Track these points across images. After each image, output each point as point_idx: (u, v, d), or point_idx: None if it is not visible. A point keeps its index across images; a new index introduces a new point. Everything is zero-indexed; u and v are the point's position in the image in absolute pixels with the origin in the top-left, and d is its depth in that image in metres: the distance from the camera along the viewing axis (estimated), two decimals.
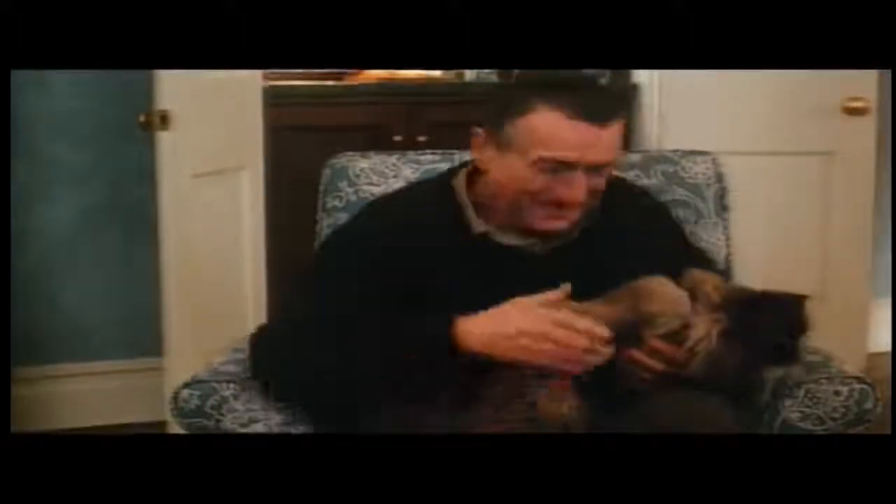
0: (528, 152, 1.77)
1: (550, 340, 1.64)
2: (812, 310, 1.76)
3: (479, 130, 1.87)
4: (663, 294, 1.76)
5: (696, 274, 1.84)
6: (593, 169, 1.78)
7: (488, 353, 1.67)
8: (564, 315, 1.65)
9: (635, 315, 1.74)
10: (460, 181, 1.94)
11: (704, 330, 1.72)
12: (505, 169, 1.82)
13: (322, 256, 1.98)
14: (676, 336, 1.73)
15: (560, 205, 1.79)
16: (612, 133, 1.78)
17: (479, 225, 1.88)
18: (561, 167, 1.76)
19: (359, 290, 1.79)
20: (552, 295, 1.69)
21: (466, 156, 2.27)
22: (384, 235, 1.87)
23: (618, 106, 1.85)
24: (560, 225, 1.83)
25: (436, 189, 1.97)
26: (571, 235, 1.87)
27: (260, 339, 1.84)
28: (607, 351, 1.65)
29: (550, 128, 1.75)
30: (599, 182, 1.82)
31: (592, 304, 1.76)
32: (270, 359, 1.80)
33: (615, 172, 1.95)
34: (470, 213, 1.89)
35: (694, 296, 1.77)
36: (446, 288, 1.81)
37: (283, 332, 1.82)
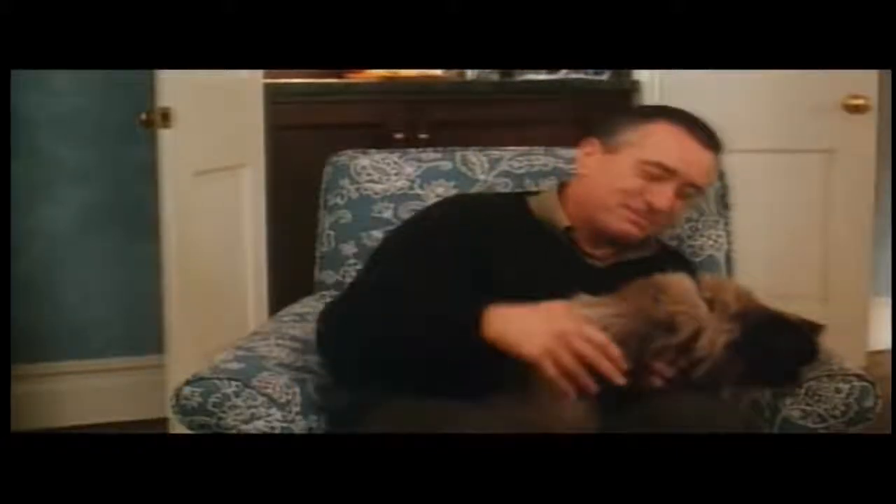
0: (638, 153, 1.92)
1: (571, 350, 1.63)
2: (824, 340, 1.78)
3: (594, 139, 2.01)
4: (680, 293, 1.75)
5: (717, 280, 1.83)
6: (683, 190, 1.93)
7: (514, 346, 1.65)
8: (592, 330, 1.65)
9: (651, 314, 1.73)
10: (547, 196, 2.05)
11: (711, 339, 1.71)
12: (606, 170, 1.95)
13: (401, 239, 2.01)
14: (685, 342, 1.72)
15: (646, 208, 1.92)
16: (714, 161, 1.98)
17: (563, 219, 1.98)
18: (661, 175, 1.91)
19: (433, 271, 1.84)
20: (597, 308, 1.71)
21: (469, 155, 2.29)
22: (461, 223, 1.94)
23: (723, 141, 2.01)
24: (634, 231, 1.94)
25: (513, 198, 2.09)
26: (632, 258, 1.98)
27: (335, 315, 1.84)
28: (620, 376, 1.64)
29: (668, 136, 1.93)
30: (680, 206, 1.97)
31: (608, 300, 1.76)
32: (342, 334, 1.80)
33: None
34: (560, 213, 2.00)
35: (712, 301, 1.75)
36: (514, 277, 1.85)
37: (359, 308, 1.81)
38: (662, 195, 1.91)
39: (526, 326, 1.64)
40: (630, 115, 2.00)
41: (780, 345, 1.73)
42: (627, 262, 1.97)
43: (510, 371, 1.69)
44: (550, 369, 1.62)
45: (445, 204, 2.08)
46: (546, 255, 1.95)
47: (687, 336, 1.72)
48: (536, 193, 2.10)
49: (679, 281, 1.79)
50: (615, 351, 1.64)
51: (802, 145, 3.58)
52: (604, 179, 1.95)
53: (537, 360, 1.62)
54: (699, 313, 1.73)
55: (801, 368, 1.78)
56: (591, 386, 1.63)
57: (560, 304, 1.68)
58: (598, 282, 1.86)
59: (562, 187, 2.07)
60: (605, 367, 1.62)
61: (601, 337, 1.64)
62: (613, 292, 1.80)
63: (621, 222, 1.93)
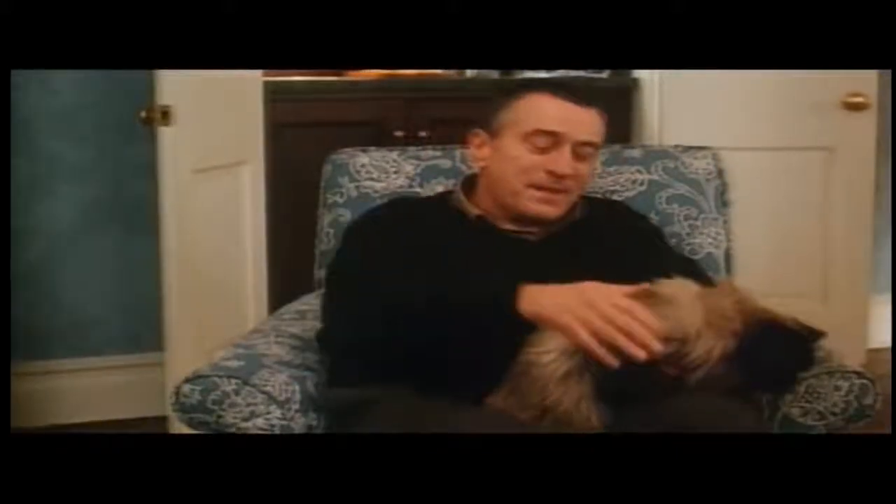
0: (521, 129, 1.94)
1: (611, 322, 1.64)
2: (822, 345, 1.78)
3: (479, 130, 2.03)
4: (671, 301, 1.73)
5: (727, 286, 1.81)
6: (579, 151, 1.94)
7: (548, 318, 1.69)
8: (630, 303, 1.67)
9: None
10: (456, 194, 2.07)
11: (706, 349, 1.70)
12: (500, 157, 1.98)
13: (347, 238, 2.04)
14: (679, 349, 1.70)
15: (551, 179, 1.93)
16: (594, 115, 1.97)
17: (472, 209, 2.01)
18: (549, 143, 1.93)
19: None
20: (628, 288, 1.71)
21: (468, 153, 2.29)
22: (396, 221, 1.99)
23: (598, 98, 2.01)
24: (550, 210, 1.96)
25: (436, 199, 2.13)
26: (561, 225, 1.98)
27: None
28: (658, 349, 1.64)
29: (540, 105, 1.96)
30: (584, 169, 1.97)
31: None
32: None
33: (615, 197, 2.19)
34: (465, 203, 2.03)
35: (713, 308, 1.73)
36: (447, 267, 1.86)
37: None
38: (560, 160, 1.93)
39: (559, 300, 1.69)
40: (502, 96, 2.01)
41: (775, 353, 1.71)
42: (561, 231, 1.99)
43: (510, 371, 1.71)
44: (584, 337, 1.64)
45: (384, 207, 2.11)
46: (472, 241, 1.96)
47: (675, 346, 1.70)
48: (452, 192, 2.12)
49: (674, 288, 1.77)
50: (645, 314, 1.65)
51: (802, 143, 3.57)
52: (502, 165, 1.97)
53: (571, 329, 1.66)
54: (689, 321, 1.71)
55: (795, 375, 1.77)
56: (633, 350, 1.63)
57: (591, 283, 1.71)
58: (535, 254, 1.93)
59: (468, 180, 2.09)
60: (636, 329, 1.63)
61: (629, 302, 1.66)
62: (552, 262, 1.87)
63: (534, 203, 1.95)
